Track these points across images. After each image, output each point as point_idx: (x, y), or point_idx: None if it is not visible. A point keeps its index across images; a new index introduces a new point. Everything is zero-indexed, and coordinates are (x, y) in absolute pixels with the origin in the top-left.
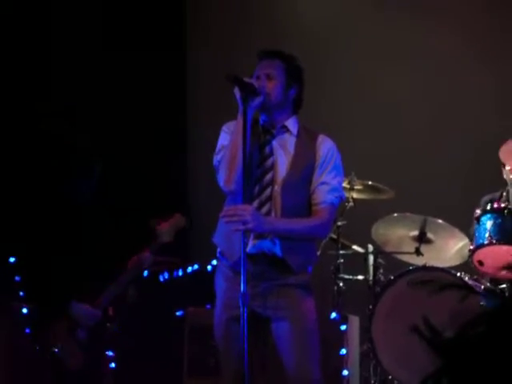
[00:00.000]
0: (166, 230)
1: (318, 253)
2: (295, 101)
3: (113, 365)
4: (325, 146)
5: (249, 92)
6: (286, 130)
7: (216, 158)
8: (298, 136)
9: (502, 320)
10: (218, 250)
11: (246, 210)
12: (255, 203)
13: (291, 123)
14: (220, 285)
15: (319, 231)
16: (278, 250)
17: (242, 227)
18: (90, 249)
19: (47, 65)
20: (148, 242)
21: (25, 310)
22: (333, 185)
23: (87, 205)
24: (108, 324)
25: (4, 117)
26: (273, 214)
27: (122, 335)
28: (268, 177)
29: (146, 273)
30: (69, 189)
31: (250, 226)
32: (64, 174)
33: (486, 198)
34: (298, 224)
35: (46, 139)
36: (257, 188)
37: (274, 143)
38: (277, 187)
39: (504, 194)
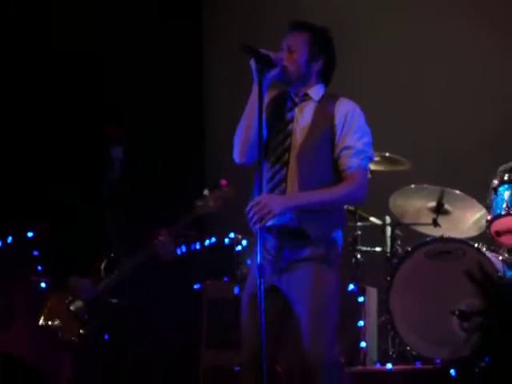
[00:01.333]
0: (206, 203)
1: None
2: (321, 72)
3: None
4: (343, 107)
5: (264, 63)
6: (308, 97)
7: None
8: (320, 102)
9: None
10: None
11: (261, 202)
12: (272, 170)
13: (314, 91)
14: (252, 260)
15: (351, 196)
16: (295, 220)
17: (266, 221)
18: (108, 225)
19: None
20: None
21: (43, 284)
22: (357, 147)
23: (111, 182)
24: (113, 300)
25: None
26: (288, 180)
27: (132, 310)
28: (286, 143)
29: None
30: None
31: (272, 215)
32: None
33: (503, 167)
34: (325, 194)
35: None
36: (273, 155)
37: (296, 110)
38: (294, 153)
39: None
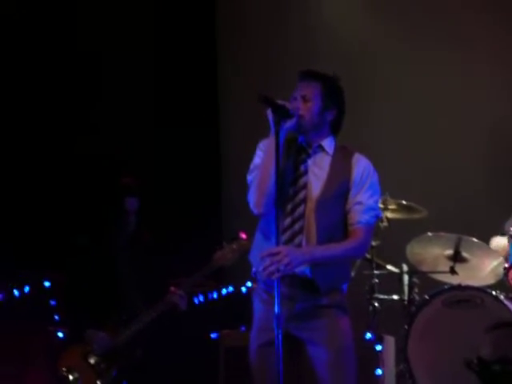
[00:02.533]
0: (224, 255)
1: (353, 273)
2: (333, 122)
3: None
4: (360, 164)
5: (281, 114)
6: (321, 149)
7: (249, 177)
8: (334, 155)
9: None
10: (253, 269)
11: (282, 253)
12: (288, 220)
13: (327, 143)
14: (256, 307)
15: (356, 252)
16: (308, 271)
17: (283, 272)
18: (123, 279)
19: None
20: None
21: (60, 334)
22: (368, 204)
23: (125, 240)
24: (130, 351)
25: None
26: (305, 232)
27: (150, 360)
28: (301, 195)
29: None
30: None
31: (290, 267)
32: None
33: None
34: (336, 249)
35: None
36: (289, 206)
37: (309, 162)
38: (310, 205)
39: None
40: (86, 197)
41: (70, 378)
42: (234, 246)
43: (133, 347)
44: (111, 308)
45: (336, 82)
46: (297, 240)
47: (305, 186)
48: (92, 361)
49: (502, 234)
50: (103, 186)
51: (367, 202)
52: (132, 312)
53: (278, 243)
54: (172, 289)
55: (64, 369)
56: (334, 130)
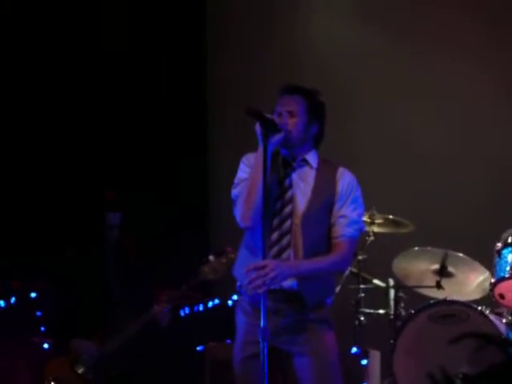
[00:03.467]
0: (213, 268)
1: (339, 287)
2: (316, 136)
3: None
4: (344, 179)
5: (270, 128)
6: (305, 163)
7: (234, 191)
8: (318, 169)
9: None
10: (238, 283)
11: (268, 267)
12: (275, 235)
13: (311, 157)
14: (240, 320)
15: (340, 266)
16: (294, 285)
17: (269, 286)
18: (110, 288)
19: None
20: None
21: (46, 345)
22: (352, 218)
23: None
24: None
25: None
26: (293, 246)
27: (136, 372)
28: (287, 209)
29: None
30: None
31: (276, 281)
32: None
33: (508, 233)
34: (321, 263)
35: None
36: (276, 220)
37: (294, 176)
38: (296, 219)
39: None
40: (72, 209)
41: None
42: (224, 260)
43: (120, 357)
44: (98, 319)
45: (318, 96)
46: (284, 255)
47: (291, 200)
48: (79, 370)
49: None
50: (87, 199)
51: (351, 215)
52: (119, 323)
53: (264, 257)
54: (155, 304)
55: (51, 379)
56: (317, 143)
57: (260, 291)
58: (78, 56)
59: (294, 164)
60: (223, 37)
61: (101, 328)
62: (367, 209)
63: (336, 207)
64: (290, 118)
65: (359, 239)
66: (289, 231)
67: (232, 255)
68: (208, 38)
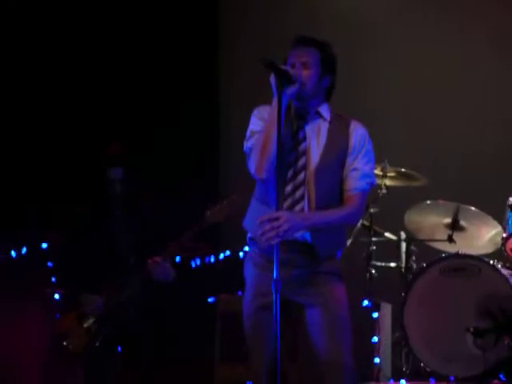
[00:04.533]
0: (215, 211)
1: (350, 240)
2: (328, 89)
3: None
4: (357, 132)
5: (284, 79)
6: (319, 115)
7: (247, 144)
8: (331, 122)
9: None
10: (249, 235)
11: (282, 219)
12: (289, 187)
13: (324, 109)
14: (250, 272)
15: (352, 219)
16: (308, 237)
17: (281, 238)
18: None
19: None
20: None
21: (57, 296)
22: (364, 171)
23: (120, 200)
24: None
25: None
26: (306, 198)
27: (146, 324)
28: (301, 161)
29: (178, 258)
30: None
31: (289, 233)
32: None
33: None
34: (333, 214)
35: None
36: (290, 172)
37: (307, 129)
38: (310, 172)
39: None
40: (80, 164)
41: (64, 343)
42: (225, 202)
43: (125, 309)
44: (107, 272)
45: (332, 48)
46: (298, 207)
47: (304, 153)
48: (86, 324)
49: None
50: (92, 153)
51: (363, 168)
52: (127, 276)
53: (278, 209)
54: (155, 258)
55: (60, 335)
56: (328, 96)
57: (273, 242)
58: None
59: (308, 117)
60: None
61: (108, 281)
62: (379, 161)
63: (349, 160)
64: (304, 69)
65: (371, 192)
66: (302, 183)
67: (234, 196)
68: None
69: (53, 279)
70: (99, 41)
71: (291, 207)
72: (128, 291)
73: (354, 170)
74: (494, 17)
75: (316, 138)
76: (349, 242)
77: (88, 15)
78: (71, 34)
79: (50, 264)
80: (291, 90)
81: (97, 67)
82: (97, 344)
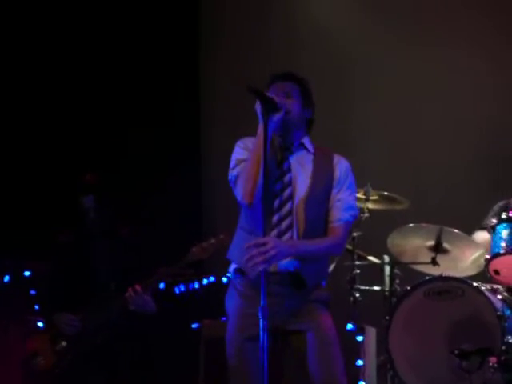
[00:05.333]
0: (202, 248)
1: (334, 264)
2: (309, 121)
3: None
4: (341, 164)
5: (270, 107)
6: (303, 147)
7: (232, 172)
8: (315, 154)
9: None
10: (233, 266)
11: (269, 244)
12: (275, 217)
13: (307, 142)
14: (235, 303)
15: (336, 249)
16: (296, 265)
17: (268, 264)
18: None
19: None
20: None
21: (40, 324)
22: (348, 202)
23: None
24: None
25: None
26: (295, 228)
27: (132, 350)
28: (287, 192)
29: (162, 285)
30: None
31: (276, 259)
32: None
33: (501, 203)
34: (318, 244)
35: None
36: (276, 202)
37: (292, 160)
38: (297, 201)
39: None
40: (60, 193)
41: (33, 361)
42: (213, 241)
43: (100, 331)
44: (85, 297)
45: (308, 83)
46: (287, 235)
47: (290, 183)
48: (57, 344)
49: (482, 229)
50: (66, 184)
51: (347, 199)
52: (105, 302)
53: (264, 235)
54: (130, 288)
55: (30, 353)
56: (309, 129)
57: (260, 268)
58: (70, 45)
59: (292, 148)
60: (218, 21)
61: (86, 305)
62: (362, 185)
63: (334, 192)
64: (287, 98)
65: (357, 219)
66: (289, 214)
67: (222, 236)
68: (203, 11)
69: (35, 307)
70: (72, 53)
71: (281, 235)
72: (104, 315)
73: (339, 201)
74: (479, 40)
75: (301, 169)
76: (332, 266)
77: (62, 20)
78: (47, 40)
79: (32, 292)
80: (277, 117)
81: (70, 84)
82: (66, 362)
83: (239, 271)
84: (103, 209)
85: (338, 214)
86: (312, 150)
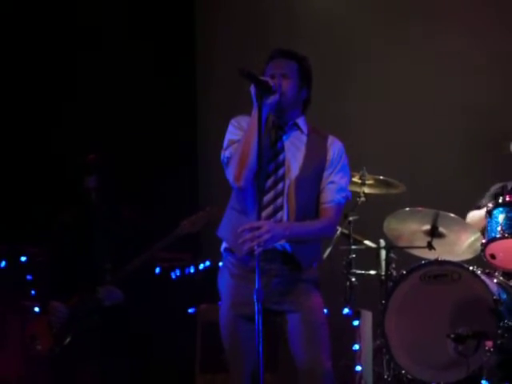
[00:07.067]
0: (190, 222)
1: (330, 248)
2: (305, 101)
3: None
4: (335, 146)
5: (264, 89)
6: (297, 127)
7: (224, 153)
8: (309, 135)
9: None
10: (224, 246)
11: (263, 228)
12: (268, 196)
13: (302, 122)
14: (226, 282)
15: (328, 231)
16: (287, 247)
17: (263, 247)
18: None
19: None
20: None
21: (37, 309)
22: (341, 184)
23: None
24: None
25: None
26: (286, 208)
27: (128, 333)
28: (280, 171)
29: (158, 270)
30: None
31: (270, 243)
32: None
33: (497, 186)
34: (311, 226)
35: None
36: (269, 182)
37: (285, 140)
38: (289, 182)
39: None
40: (60, 174)
41: (31, 344)
42: (200, 214)
43: (91, 315)
44: (81, 279)
45: (308, 61)
46: (278, 216)
47: (283, 163)
48: (53, 328)
49: (477, 208)
50: (69, 166)
51: (339, 182)
52: (99, 283)
53: (258, 218)
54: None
55: (29, 335)
56: (305, 108)
57: (256, 252)
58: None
59: (286, 127)
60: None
61: (80, 289)
62: (358, 169)
63: (326, 173)
64: (284, 79)
65: (350, 200)
66: (282, 193)
67: (208, 208)
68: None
69: (32, 292)
70: (65, 52)
71: (272, 215)
72: (96, 299)
73: (331, 183)
74: (471, 31)
75: (295, 150)
76: (328, 250)
77: (61, 16)
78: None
79: (29, 277)
80: (271, 99)
81: (69, 78)
82: (65, 343)
83: (229, 250)
84: (106, 189)
85: (330, 195)
86: (306, 131)
